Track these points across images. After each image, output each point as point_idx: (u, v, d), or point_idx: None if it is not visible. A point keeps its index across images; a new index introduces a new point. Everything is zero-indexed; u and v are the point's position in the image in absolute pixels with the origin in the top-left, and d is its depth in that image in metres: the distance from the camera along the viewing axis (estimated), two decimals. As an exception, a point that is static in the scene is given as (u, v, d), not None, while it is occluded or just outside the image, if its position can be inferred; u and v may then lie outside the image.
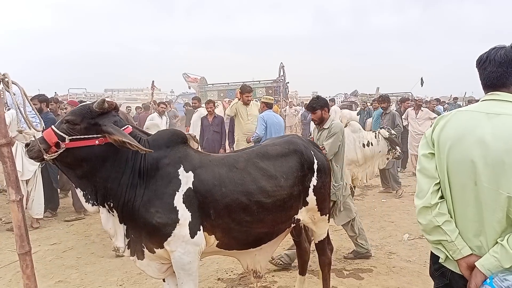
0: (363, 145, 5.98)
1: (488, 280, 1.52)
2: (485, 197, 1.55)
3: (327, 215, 3.03)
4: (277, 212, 2.59)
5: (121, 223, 2.37)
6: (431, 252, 1.79)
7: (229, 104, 7.75)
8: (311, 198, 2.84)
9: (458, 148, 1.62)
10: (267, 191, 2.53)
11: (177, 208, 2.30)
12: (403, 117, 9.81)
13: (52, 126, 2.27)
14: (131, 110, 15.68)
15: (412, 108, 9.70)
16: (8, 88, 2.16)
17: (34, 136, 2.28)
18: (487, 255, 1.55)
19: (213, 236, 2.46)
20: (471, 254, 1.60)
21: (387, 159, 6.35)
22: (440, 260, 1.72)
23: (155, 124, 6.11)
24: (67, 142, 2.19)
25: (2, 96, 2.25)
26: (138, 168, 2.32)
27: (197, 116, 8.38)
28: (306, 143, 2.96)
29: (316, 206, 2.89)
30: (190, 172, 2.37)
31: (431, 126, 1.80)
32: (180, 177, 2.35)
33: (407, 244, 4.93)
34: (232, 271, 4.12)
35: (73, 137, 2.20)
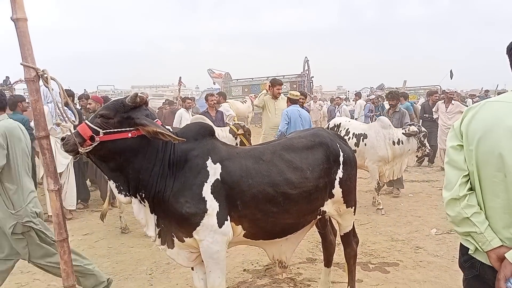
0: (393, 142, 5.87)
1: None
2: None
3: (353, 207, 3.03)
4: (303, 203, 2.62)
5: (152, 213, 2.46)
6: (461, 243, 1.78)
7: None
8: (337, 190, 2.85)
9: (487, 139, 1.59)
10: (293, 183, 2.56)
11: (206, 199, 2.37)
12: (433, 110, 9.57)
13: (86, 121, 2.34)
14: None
15: (442, 101, 9.43)
16: (47, 83, 2.27)
17: (70, 130, 2.38)
18: None
19: (240, 226, 2.51)
20: (501, 245, 1.58)
21: (417, 156, 6.25)
22: (469, 252, 1.70)
23: (201, 117, 6.18)
24: (101, 135, 2.26)
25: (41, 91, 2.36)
26: (168, 160, 2.39)
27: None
28: (332, 136, 2.98)
29: (342, 199, 2.90)
30: (218, 164, 2.43)
31: None
32: (208, 168, 2.41)
33: (435, 239, 4.86)
34: (257, 263, 4.18)
35: (107, 130, 2.27)
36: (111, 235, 5.25)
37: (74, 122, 2.43)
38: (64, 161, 5.75)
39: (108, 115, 2.29)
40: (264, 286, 3.67)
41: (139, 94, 2.33)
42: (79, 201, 6.41)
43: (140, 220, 2.50)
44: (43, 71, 2.27)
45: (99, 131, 2.26)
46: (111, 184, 2.42)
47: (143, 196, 2.41)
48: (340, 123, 6.42)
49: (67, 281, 2.42)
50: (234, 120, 8.02)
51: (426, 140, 6.03)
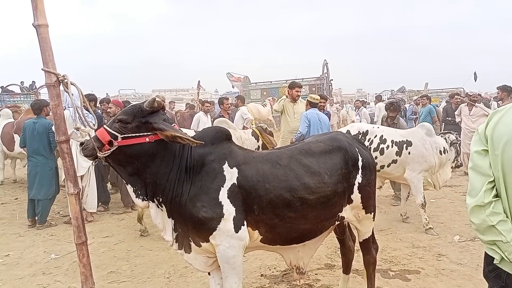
0: (440, 151, 5.38)
1: None
2: None
3: (372, 213, 2.97)
4: (320, 208, 2.59)
5: (169, 217, 2.47)
6: (485, 252, 1.71)
7: (274, 101, 7.80)
8: (356, 195, 2.80)
9: None
10: (311, 188, 2.53)
11: (222, 203, 2.36)
12: (455, 113, 9.34)
13: (105, 126, 2.36)
14: (174, 107, 16.05)
15: (466, 104, 9.19)
16: (68, 88, 2.31)
17: (89, 134, 2.42)
18: None
19: (256, 231, 2.50)
20: None
21: (451, 167, 5.66)
22: (495, 261, 1.63)
23: (224, 121, 6.22)
24: (119, 140, 2.27)
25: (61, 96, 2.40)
26: (185, 165, 2.40)
27: (239, 115, 8.50)
28: (351, 140, 2.93)
29: (361, 204, 2.85)
30: (235, 168, 2.43)
31: None
32: (225, 172, 2.41)
33: (458, 246, 4.72)
34: (275, 268, 4.14)
35: (125, 135, 2.29)
36: (131, 238, 5.30)
37: (94, 126, 2.46)
38: (85, 164, 5.85)
39: (126, 120, 2.31)
40: (282, 292, 3.63)
41: (156, 99, 2.35)
42: (99, 203, 6.52)
43: (157, 224, 2.51)
44: (63, 76, 2.31)
45: (117, 136, 2.28)
46: (129, 189, 2.43)
47: (161, 200, 2.42)
48: (367, 130, 5.55)
49: (86, 284, 2.45)
50: (252, 124, 8.04)
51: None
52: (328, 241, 4.36)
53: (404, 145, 5.36)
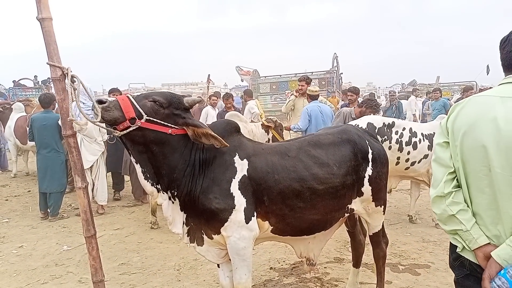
0: None
1: (502, 271, 1.45)
2: (499, 183, 1.49)
3: (382, 206, 2.97)
4: (329, 199, 2.60)
5: (181, 211, 2.47)
6: (450, 242, 1.74)
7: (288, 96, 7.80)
8: (366, 188, 2.80)
9: (471, 134, 1.57)
10: (319, 178, 2.55)
11: (233, 194, 2.38)
12: None
13: (132, 98, 2.18)
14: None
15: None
16: (69, 81, 2.29)
17: (100, 100, 2.27)
18: (504, 245, 1.49)
19: (267, 222, 2.52)
20: (488, 243, 1.55)
21: None
22: (457, 250, 1.67)
23: (235, 114, 6.23)
24: (143, 121, 2.14)
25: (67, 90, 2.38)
26: (199, 159, 2.39)
27: (247, 110, 8.51)
28: (361, 133, 2.93)
29: (371, 197, 2.85)
30: (245, 160, 2.45)
31: None
32: (236, 164, 2.42)
33: (469, 240, 4.67)
34: (284, 261, 4.15)
35: (151, 118, 2.16)
36: (141, 230, 5.36)
37: (93, 119, 2.23)
38: (90, 157, 5.87)
39: (163, 104, 2.21)
40: (291, 285, 3.64)
41: (197, 99, 2.37)
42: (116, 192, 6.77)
43: (168, 217, 2.51)
44: (67, 69, 2.29)
45: (143, 116, 2.14)
46: (137, 168, 2.32)
47: (175, 194, 2.41)
48: (393, 122, 5.01)
49: (95, 276, 2.48)
50: (260, 118, 8.05)
51: None
52: (337, 235, 4.35)
53: (434, 138, 5.05)
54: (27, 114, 8.68)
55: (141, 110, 2.14)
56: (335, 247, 4.50)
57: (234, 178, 2.40)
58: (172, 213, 2.48)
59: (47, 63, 2.27)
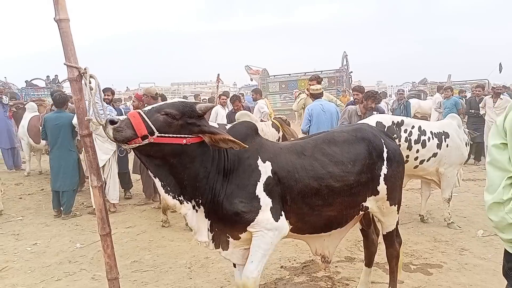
0: (466, 144, 5.21)
1: None
2: None
3: (396, 205, 2.97)
4: (345, 196, 2.63)
5: (206, 218, 2.46)
6: (505, 250, 1.67)
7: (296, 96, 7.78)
8: (382, 187, 2.81)
9: None
10: (336, 176, 2.58)
11: (259, 196, 2.40)
12: (480, 105, 9.10)
13: (143, 114, 2.13)
14: (200, 99, 16.32)
15: (490, 96, 8.96)
16: (87, 81, 2.32)
17: (103, 126, 2.29)
18: None
19: (288, 221, 2.54)
20: None
21: None
22: None
23: (246, 113, 6.27)
24: (155, 137, 2.10)
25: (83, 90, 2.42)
26: (223, 166, 2.39)
27: (256, 109, 8.51)
28: (376, 132, 2.94)
29: (386, 196, 2.85)
30: (267, 162, 2.46)
31: None
32: (259, 168, 2.44)
33: (482, 240, 4.63)
34: (295, 260, 4.16)
35: (163, 134, 2.13)
36: (152, 229, 5.40)
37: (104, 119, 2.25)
38: (103, 156, 5.94)
39: (176, 116, 2.16)
40: (302, 283, 3.65)
41: (209, 106, 2.32)
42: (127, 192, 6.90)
43: (192, 226, 2.47)
44: (84, 69, 2.32)
45: (154, 133, 2.10)
46: (157, 183, 2.30)
47: (200, 202, 2.39)
48: (402, 120, 5.02)
49: (110, 273, 2.52)
50: (270, 116, 8.06)
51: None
52: (348, 235, 4.32)
53: (443, 137, 5.00)
54: (40, 114, 8.81)
55: (152, 127, 2.10)
56: (346, 246, 4.49)
57: (259, 181, 2.41)
58: (197, 222, 2.45)
59: (64, 64, 2.30)
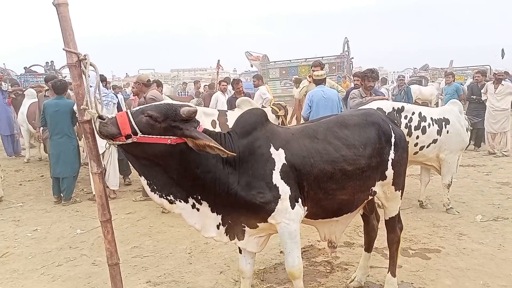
0: (467, 130, 5.21)
1: None
2: None
3: (400, 191, 2.99)
4: (357, 180, 2.64)
5: (213, 212, 2.43)
6: None
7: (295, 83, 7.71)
8: (389, 172, 2.83)
9: None
10: (348, 160, 2.58)
11: (277, 185, 2.39)
12: (482, 91, 9.05)
13: (130, 115, 2.19)
14: (200, 86, 16.28)
15: (492, 82, 8.91)
16: (86, 69, 2.29)
17: (100, 116, 2.28)
18: None
19: (305, 207, 2.55)
20: None
21: None
22: None
23: (246, 100, 6.20)
24: (138, 136, 2.14)
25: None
26: (228, 158, 2.33)
27: (258, 95, 8.45)
28: (384, 117, 2.96)
29: (392, 180, 2.88)
30: (280, 149, 2.44)
31: None
32: (273, 156, 2.41)
33: (480, 226, 4.65)
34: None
35: (146, 135, 2.15)
36: (152, 215, 5.43)
37: (101, 111, 2.27)
38: (103, 143, 5.92)
39: (158, 118, 2.16)
40: (301, 268, 3.67)
41: (192, 110, 2.21)
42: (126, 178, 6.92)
43: (193, 225, 2.45)
44: (84, 56, 2.29)
45: (137, 133, 2.14)
46: (142, 181, 2.33)
47: (200, 198, 2.37)
48: (402, 106, 5.03)
49: (111, 259, 2.52)
50: (270, 104, 8.02)
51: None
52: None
53: (443, 123, 5.01)
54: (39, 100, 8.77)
55: (136, 127, 2.14)
56: (345, 231, 4.49)
57: (274, 170, 2.39)
58: (199, 219, 2.43)
59: (63, 49, 2.27)
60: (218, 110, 6.22)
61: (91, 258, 4.07)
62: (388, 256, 3.20)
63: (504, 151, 8.67)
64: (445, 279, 3.39)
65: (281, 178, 2.39)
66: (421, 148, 4.95)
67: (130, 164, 2.37)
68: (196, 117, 2.30)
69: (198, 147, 2.16)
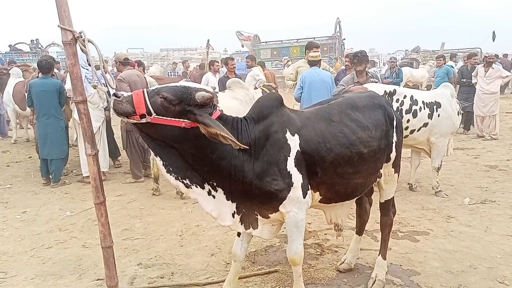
0: (458, 113, 5.21)
1: None
2: None
3: (397, 173, 3.03)
4: (370, 162, 2.65)
5: (228, 200, 2.39)
6: None
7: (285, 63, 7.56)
8: (393, 154, 2.87)
9: None
10: (364, 142, 2.58)
11: (291, 172, 2.35)
12: (472, 74, 9.06)
13: (146, 95, 2.14)
14: (189, 66, 16.08)
15: (482, 65, 8.92)
16: (84, 47, 2.23)
17: (106, 93, 2.31)
18: None
19: (317, 193, 2.54)
20: None
21: None
22: None
23: (237, 81, 6.07)
24: (152, 117, 2.10)
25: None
26: (247, 144, 2.28)
27: (251, 76, 8.35)
28: (386, 100, 3.02)
29: (392, 163, 2.92)
30: (296, 135, 2.40)
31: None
32: (288, 141, 2.37)
33: (468, 208, 4.73)
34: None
35: (160, 117, 2.11)
36: (143, 197, 5.41)
37: (114, 85, 2.35)
38: (95, 124, 5.84)
39: (173, 101, 2.11)
40: (291, 250, 3.70)
41: (210, 96, 2.15)
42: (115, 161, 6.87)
43: (210, 212, 2.40)
44: (80, 33, 2.22)
45: (152, 113, 2.10)
46: (158, 161, 2.27)
47: (216, 185, 2.33)
48: (394, 89, 5.01)
49: (104, 242, 2.52)
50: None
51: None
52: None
53: (435, 107, 5.01)
54: (25, 80, 8.56)
55: (150, 108, 2.10)
56: (335, 214, 4.54)
57: (289, 156, 2.35)
58: (216, 206, 2.39)
59: (58, 26, 2.21)
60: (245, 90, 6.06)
61: (81, 241, 4.04)
62: (380, 239, 3.23)
63: (493, 135, 8.77)
64: (433, 261, 3.45)
65: (295, 166, 2.35)
66: (412, 131, 4.97)
67: (146, 144, 2.29)
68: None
69: (210, 134, 2.10)
